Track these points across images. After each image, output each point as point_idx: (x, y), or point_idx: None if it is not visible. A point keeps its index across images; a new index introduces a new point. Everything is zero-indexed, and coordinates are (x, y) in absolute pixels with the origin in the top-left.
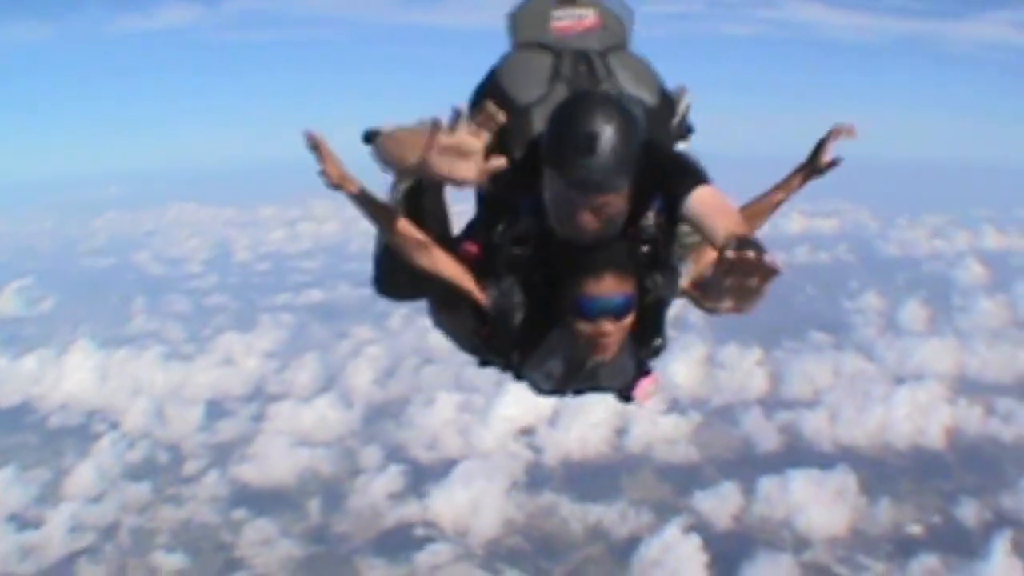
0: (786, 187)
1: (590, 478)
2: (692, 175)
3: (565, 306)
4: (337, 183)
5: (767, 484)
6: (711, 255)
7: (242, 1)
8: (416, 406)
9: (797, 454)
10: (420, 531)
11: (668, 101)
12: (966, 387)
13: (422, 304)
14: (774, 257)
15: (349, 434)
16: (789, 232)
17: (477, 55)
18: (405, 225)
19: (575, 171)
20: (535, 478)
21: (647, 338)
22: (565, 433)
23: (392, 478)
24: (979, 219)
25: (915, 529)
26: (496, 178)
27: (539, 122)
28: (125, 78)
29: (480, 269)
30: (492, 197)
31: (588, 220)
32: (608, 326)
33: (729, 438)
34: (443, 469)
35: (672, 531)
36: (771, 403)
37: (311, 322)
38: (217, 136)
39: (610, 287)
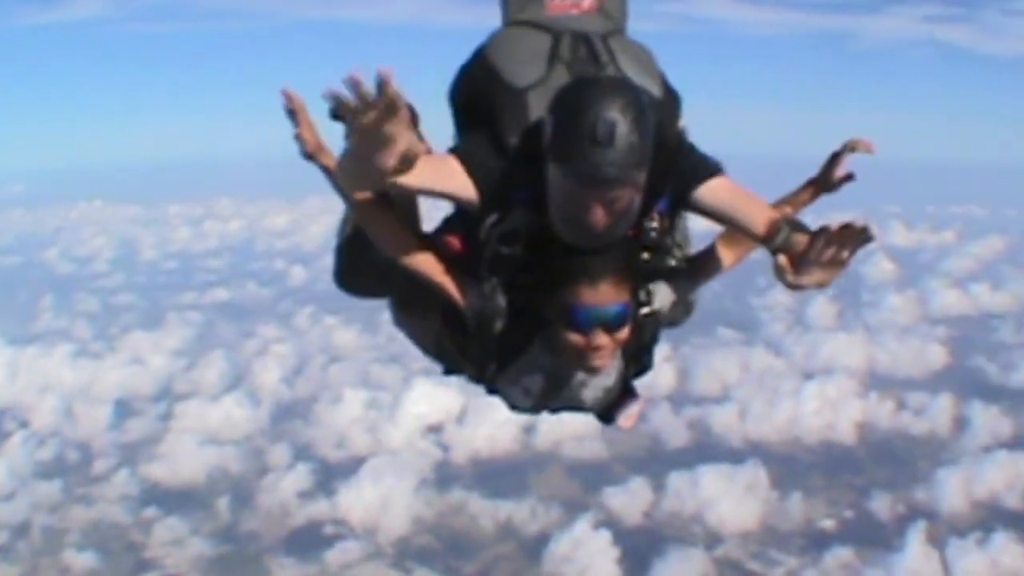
0: (794, 201)
1: (499, 475)
2: (708, 165)
3: (554, 315)
4: (313, 152)
5: (677, 479)
6: (738, 246)
7: None
8: (323, 404)
9: (707, 450)
10: (329, 529)
11: (672, 94)
12: (876, 382)
13: (331, 303)
14: (865, 222)
15: (257, 432)
16: (695, 229)
17: (395, 51)
18: (382, 209)
19: (588, 164)
20: (444, 476)
21: (637, 356)
22: (473, 431)
23: (301, 476)
24: (888, 215)
25: (827, 523)
26: (485, 172)
27: (536, 107)
28: (29, 72)
29: (460, 267)
30: (483, 189)
31: (599, 217)
32: (602, 339)
33: (638, 435)
34: (352, 467)
35: (582, 527)
36: (680, 399)
37: (218, 321)
38: (123, 133)
39: (607, 296)
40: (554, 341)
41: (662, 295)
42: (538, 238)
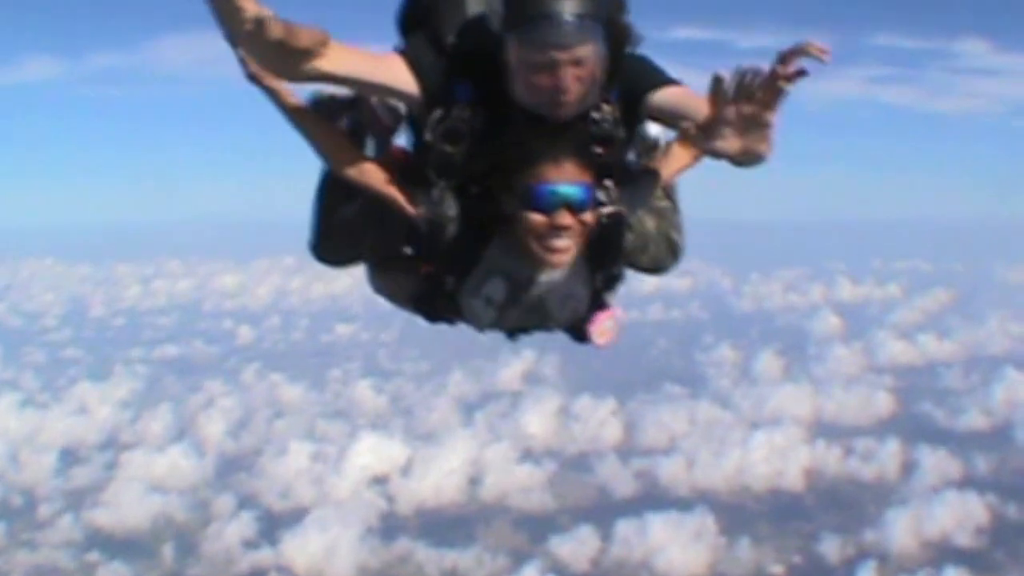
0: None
1: (445, 526)
2: (661, 73)
3: (514, 202)
4: (256, 72)
5: (624, 528)
6: (676, 163)
7: (106, 56)
8: (268, 456)
9: (654, 499)
10: None
11: (625, 10)
12: (823, 430)
13: (278, 361)
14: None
15: (202, 483)
16: (641, 291)
17: None
18: (326, 124)
19: (547, 19)
20: (390, 526)
21: (602, 263)
22: (419, 482)
23: (245, 525)
24: (834, 272)
25: (777, 569)
26: (426, 66)
27: (473, 4)
28: None
29: (408, 178)
30: (424, 86)
31: (567, 81)
32: (565, 218)
33: (585, 486)
34: (296, 516)
35: (529, 574)
36: (626, 451)
37: (165, 375)
38: (74, 193)
39: (570, 173)
40: (513, 236)
41: (626, 198)
42: (486, 135)
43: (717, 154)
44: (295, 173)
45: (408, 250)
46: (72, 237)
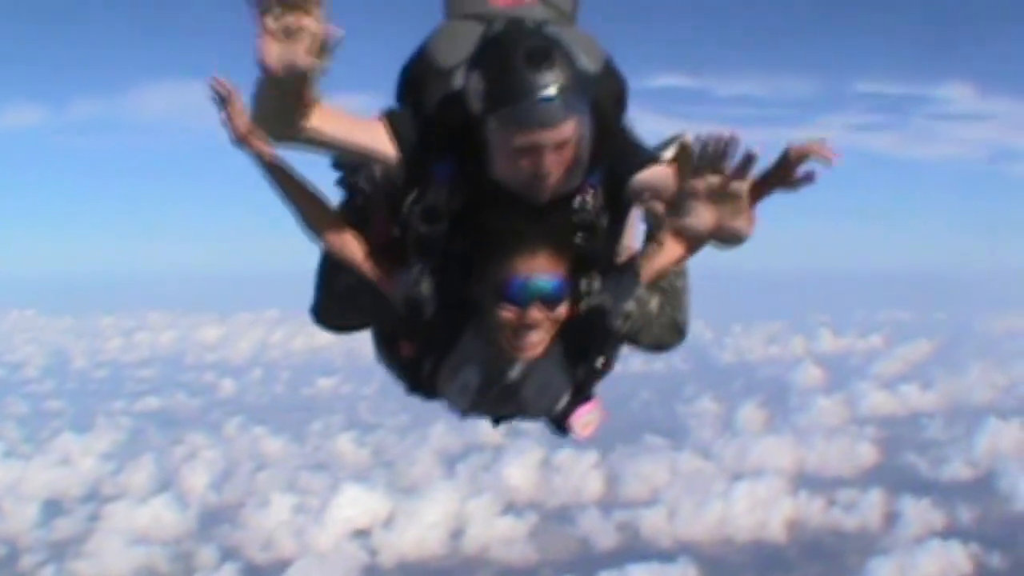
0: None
1: None
2: (645, 153)
3: (487, 292)
4: (242, 136)
5: None
6: (661, 259)
7: (87, 105)
8: (251, 508)
9: (636, 551)
10: None
11: (615, 76)
12: (806, 481)
13: (260, 414)
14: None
15: (185, 535)
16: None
17: (319, 170)
18: (313, 198)
19: (528, 90)
20: None
21: (582, 353)
22: (401, 535)
23: None
24: (815, 324)
25: None
26: (405, 140)
27: (461, 82)
28: None
29: (390, 257)
30: (404, 155)
31: (550, 165)
32: (537, 313)
33: (567, 538)
34: (279, 569)
35: None
36: (608, 504)
37: (147, 427)
38: (57, 244)
39: (543, 265)
40: (486, 325)
41: (611, 290)
42: (463, 216)
43: (690, 234)
44: (277, 226)
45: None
46: (54, 289)
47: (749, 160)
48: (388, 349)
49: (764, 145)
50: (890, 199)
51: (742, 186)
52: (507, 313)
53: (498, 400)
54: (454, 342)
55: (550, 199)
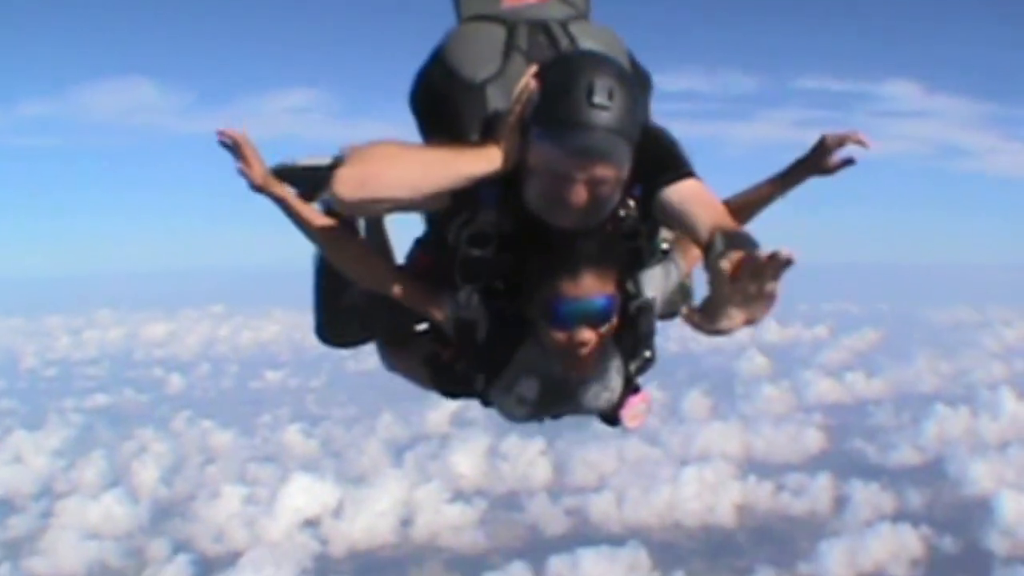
0: (783, 182)
1: (378, 567)
2: (680, 164)
3: (536, 313)
4: (261, 184)
5: (557, 563)
6: (693, 253)
7: (33, 105)
8: (201, 501)
9: (586, 536)
10: None
11: (642, 76)
12: (754, 467)
13: (208, 408)
14: (777, 249)
15: (137, 529)
16: None
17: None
18: (345, 235)
19: (584, 127)
20: (323, 568)
21: (634, 350)
22: (351, 523)
23: (180, 569)
24: None
25: None
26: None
27: (495, 100)
28: None
29: (434, 282)
30: (452, 193)
31: (577, 197)
32: (586, 334)
33: (515, 524)
34: (230, 560)
35: None
36: (556, 490)
37: (97, 424)
38: (3, 245)
39: (589, 287)
40: (540, 342)
41: (654, 283)
42: (510, 237)
43: (721, 333)
44: (222, 221)
45: (422, 328)
46: (3, 290)
47: (786, 263)
48: (403, 356)
49: (710, 140)
50: (835, 194)
51: (776, 288)
52: (557, 335)
53: (557, 405)
54: (508, 359)
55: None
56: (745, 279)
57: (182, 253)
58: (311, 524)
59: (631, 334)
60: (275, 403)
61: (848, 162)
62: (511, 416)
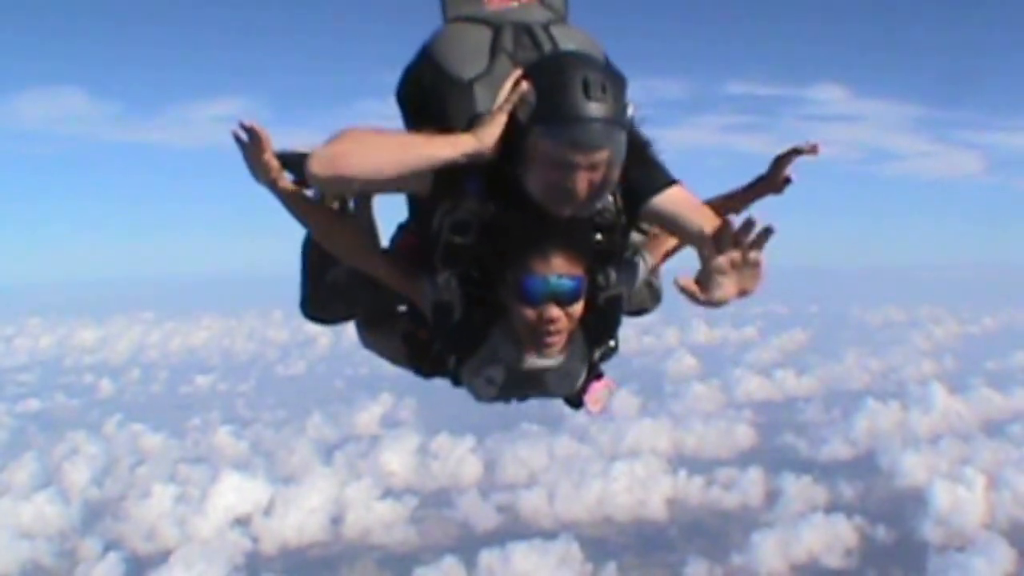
0: (741, 198)
1: (309, 565)
2: (664, 171)
3: (508, 293)
4: (276, 178)
5: (488, 557)
6: (661, 251)
7: None
8: (132, 500)
9: (517, 532)
10: None
11: (618, 76)
12: (684, 462)
13: (139, 412)
14: (751, 216)
15: (68, 528)
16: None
17: (192, 176)
18: (337, 219)
19: (581, 119)
20: (254, 565)
21: (599, 338)
22: (281, 521)
23: (111, 567)
24: (689, 316)
25: None
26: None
27: (482, 98)
28: None
29: (415, 265)
30: (434, 179)
31: (580, 184)
32: (554, 311)
33: (446, 521)
34: (161, 558)
35: None
36: (487, 487)
37: (29, 427)
38: None
39: (559, 267)
40: (509, 326)
41: (623, 277)
42: (491, 227)
43: (716, 305)
44: (153, 229)
45: (401, 309)
46: None
47: (767, 232)
48: (380, 334)
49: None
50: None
51: (760, 255)
52: (526, 311)
53: (523, 388)
54: (481, 341)
55: (578, 215)
56: (727, 247)
57: (112, 262)
58: (242, 522)
59: (598, 323)
60: (205, 407)
61: (788, 180)
62: (481, 396)
